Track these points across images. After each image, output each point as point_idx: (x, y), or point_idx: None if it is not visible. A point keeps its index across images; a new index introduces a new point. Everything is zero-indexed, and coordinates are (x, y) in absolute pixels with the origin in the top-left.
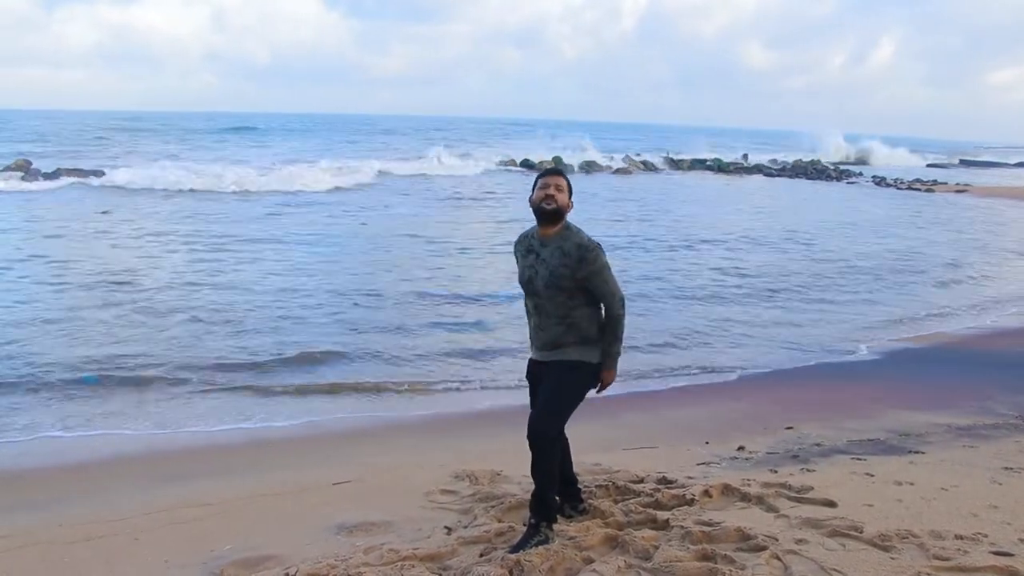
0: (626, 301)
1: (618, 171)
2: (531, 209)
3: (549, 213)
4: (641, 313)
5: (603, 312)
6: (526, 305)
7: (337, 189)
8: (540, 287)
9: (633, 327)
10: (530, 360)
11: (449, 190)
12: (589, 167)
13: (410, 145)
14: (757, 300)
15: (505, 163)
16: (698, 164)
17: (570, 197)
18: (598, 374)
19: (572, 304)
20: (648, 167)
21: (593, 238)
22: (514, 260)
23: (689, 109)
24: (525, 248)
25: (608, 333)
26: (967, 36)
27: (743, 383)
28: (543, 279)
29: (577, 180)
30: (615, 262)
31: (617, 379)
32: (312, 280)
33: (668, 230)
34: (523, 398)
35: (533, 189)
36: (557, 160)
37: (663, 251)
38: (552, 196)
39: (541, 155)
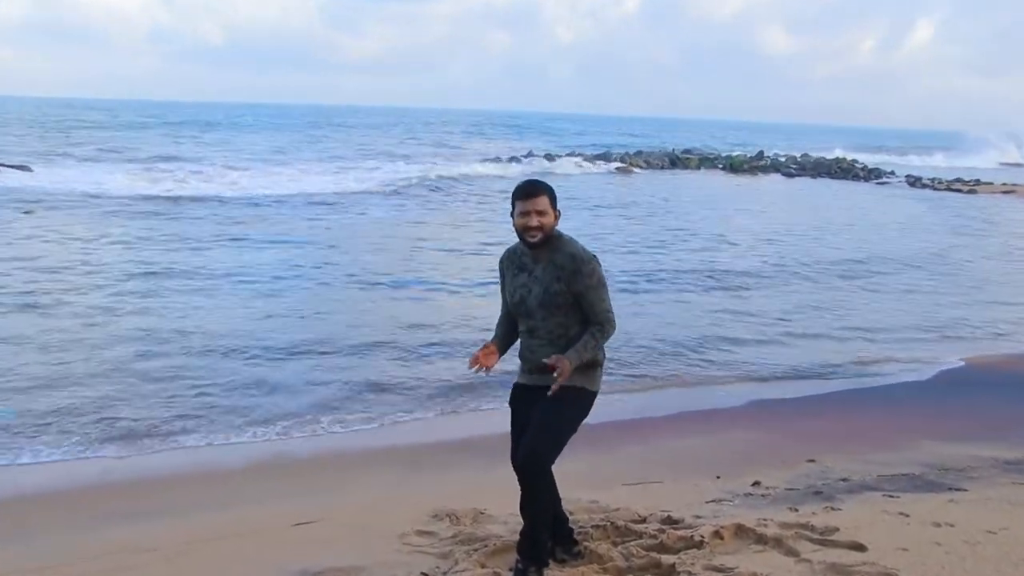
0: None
1: (619, 170)
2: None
3: (534, 246)
4: (636, 313)
5: (593, 323)
6: (500, 325)
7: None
8: (534, 306)
9: (625, 335)
10: (516, 385)
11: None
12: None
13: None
14: (770, 304)
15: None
16: (707, 162)
17: (555, 207)
18: (592, 401)
19: (569, 323)
20: (651, 165)
21: (586, 248)
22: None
23: (707, 101)
24: (516, 266)
25: (588, 337)
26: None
27: (757, 408)
28: (536, 298)
29: (565, 182)
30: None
31: (610, 403)
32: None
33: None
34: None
35: (512, 207)
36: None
37: (656, 250)
38: (537, 227)
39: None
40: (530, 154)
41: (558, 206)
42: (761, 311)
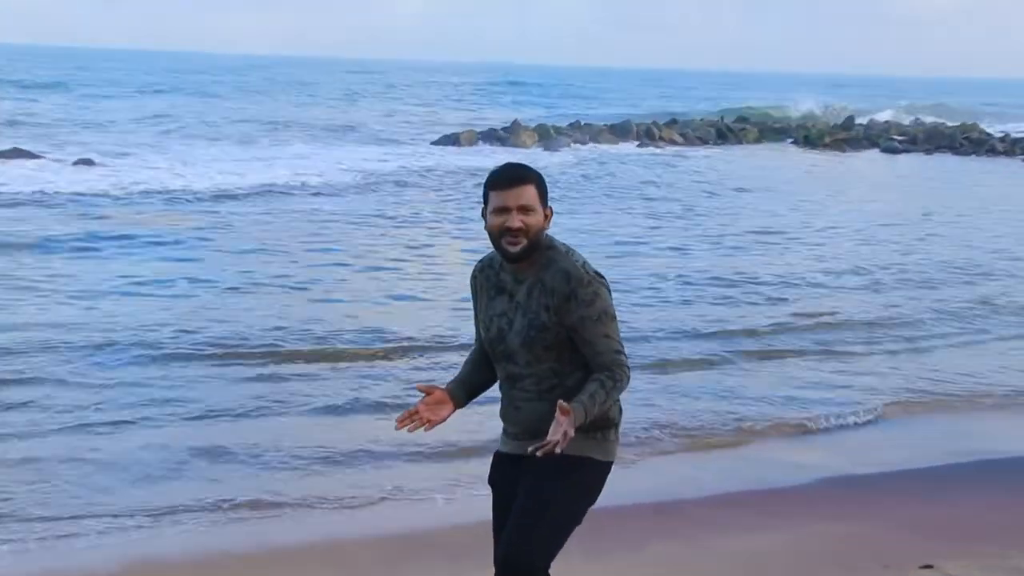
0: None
1: (642, 146)
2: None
3: (516, 257)
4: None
5: (600, 367)
6: (468, 364)
7: None
8: (515, 345)
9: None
10: (497, 454)
11: None
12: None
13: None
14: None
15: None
16: (771, 134)
17: (546, 205)
18: (604, 477)
19: (564, 370)
20: (689, 140)
21: (587, 263)
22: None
23: (755, 48)
24: (493, 285)
25: (595, 386)
26: None
27: (840, 488)
28: (519, 334)
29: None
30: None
31: (626, 475)
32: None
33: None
34: (489, 513)
35: (484, 204)
36: (542, 131)
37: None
38: (519, 230)
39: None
40: (490, 131)
41: (549, 201)
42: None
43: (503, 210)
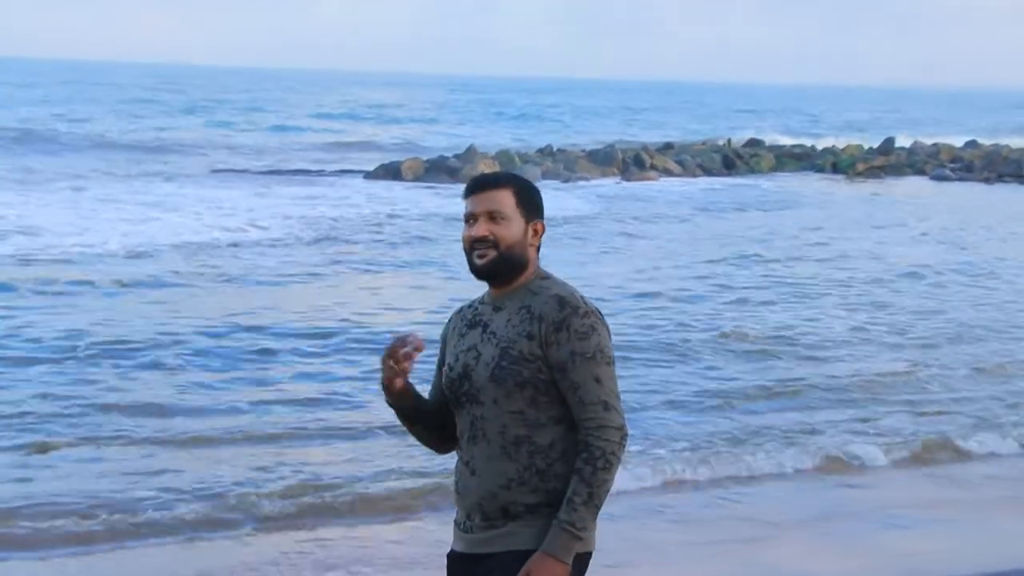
0: (627, 440)
1: (624, 179)
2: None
3: (484, 271)
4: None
5: (579, 437)
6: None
7: None
8: (482, 380)
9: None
10: (450, 557)
11: None
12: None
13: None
14: None
15: None
16: (790, 162)
17: (532, 217)
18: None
19: (536, 419)
20: (688, 169)
21: (590, 301)
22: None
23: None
24: (468, 321)
25: (576, 480)
26: None
27: None
28: (487, 366)
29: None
30: None
31: None
32: None
33: None
34: None
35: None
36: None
37: None
38: (485, 239)
39: None
40: (439, 160)
41: (541, 214)
42: None
43: (470, 217)
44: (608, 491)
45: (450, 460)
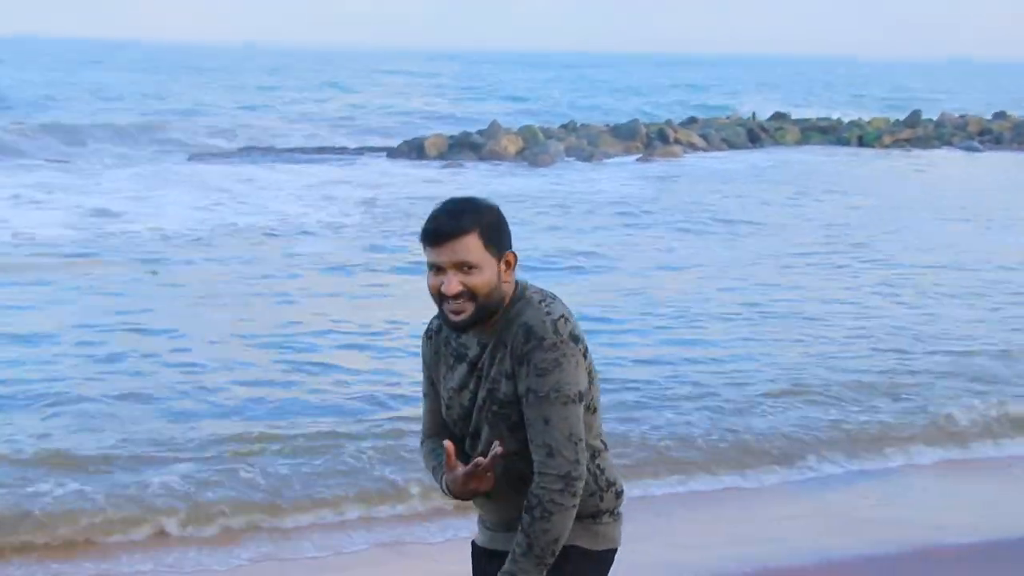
0: (579, 485)
1: (641, 159)
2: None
3: (462, 328)
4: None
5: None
6: (432, 451)
7: None
8: (479, 422)
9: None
10: (474, 546)
11: None
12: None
13: None
14: None
15: None
16: (816, 134)
17: (503, 251)
18: (601, 568)
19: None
20: (713, 143)
21: (568, 319)
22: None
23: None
24: (453, 351)
25: (519, 526)
26: None
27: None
28: (480, 409)
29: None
30: None
31: None
32: None
33: None
34: None
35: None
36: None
37: None
38: (461, 295)
39: None
40: (462, 137)
41: (509, 241)
42: None
43: (437, 269)
44: (553, 540)
45: None
